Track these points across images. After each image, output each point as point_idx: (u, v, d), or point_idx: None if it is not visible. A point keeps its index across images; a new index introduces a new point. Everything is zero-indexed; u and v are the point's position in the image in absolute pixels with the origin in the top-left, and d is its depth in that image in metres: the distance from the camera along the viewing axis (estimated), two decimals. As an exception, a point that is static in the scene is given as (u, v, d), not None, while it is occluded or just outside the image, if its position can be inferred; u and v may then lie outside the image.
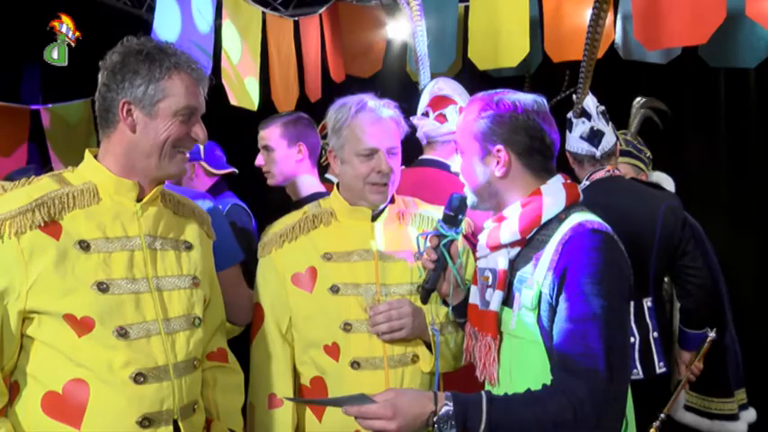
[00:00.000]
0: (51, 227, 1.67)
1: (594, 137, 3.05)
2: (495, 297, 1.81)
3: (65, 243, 1.67)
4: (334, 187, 2.25)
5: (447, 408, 1.60)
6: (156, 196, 1.83)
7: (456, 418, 1.59)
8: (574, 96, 3.24)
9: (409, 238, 2.19)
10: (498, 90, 1.88)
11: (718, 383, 3.22)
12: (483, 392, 1.64)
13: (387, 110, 2.16)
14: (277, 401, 2.12)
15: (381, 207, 2.19)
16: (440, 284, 2.00)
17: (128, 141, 1.76)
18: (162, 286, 1.79)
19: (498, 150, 1.81)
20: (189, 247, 1.90)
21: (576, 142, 3.09)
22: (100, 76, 1.77)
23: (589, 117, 3.07)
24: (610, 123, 3.12)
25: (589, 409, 1.58)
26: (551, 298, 1.68)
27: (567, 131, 3.14)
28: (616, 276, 1.67)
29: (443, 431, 1.60)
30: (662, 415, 2.89)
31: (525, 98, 1.84)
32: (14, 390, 1.70)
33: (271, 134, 2.99)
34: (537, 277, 1.72)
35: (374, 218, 2.18)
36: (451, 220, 1.96)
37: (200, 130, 1.81)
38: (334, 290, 2.10)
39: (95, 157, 1.81)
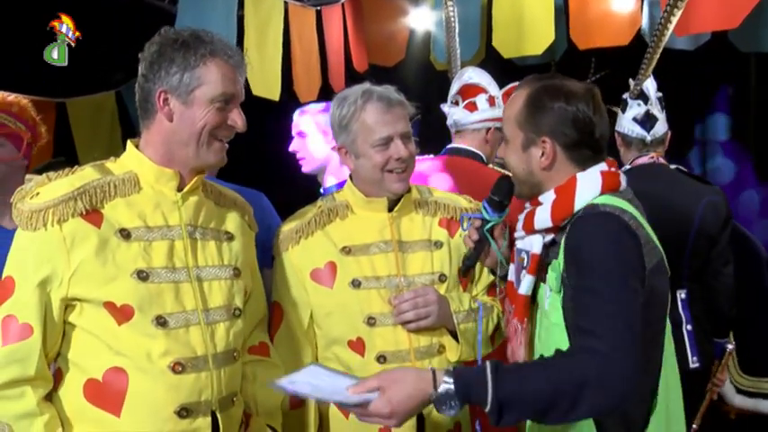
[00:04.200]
0: (93, 215, 1.69)
1: (648, 121, 2.99)
2: (526, 281, 1.80)
3: (106, 231, 1.69)
4: (348, 179, 2.21)
5: (447, 386, 1.52)
6: (197, 186, 1.83)
7: (458, 394, 1.51)
8: (631, 80, 3.15)
9: (427, 226, 2.16)
10: (547, 75, 1.83)
11: None
12: (488, 362, 1.54)
13: (394, 96, 2.12)
14: (297, 402, 2.09)
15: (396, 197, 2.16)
16: (483, 259, 2.04)
17: (166, 131, 1.76)
18: (202, 276, 1.79)
19: (543, 142, 1.76)
20: (230, 237, 1.89)
21: (628, 123, 3.03)
22: (139, 67, 1.78)
23: (646, 100, 3.01)
24: (664, 111, 3.05)
25: (615, 366, 1.50)
26: (567, 279, 1.67)
27: (620, 112, 3.08)
28: (619, 253, 1.62)
29: (444, 411, 1.52)
30: (693, 425, 2.85)
31: (577, 88, 1.77)
32: (58, 376, 1.73)
33: (308, 121, 3.03)
34: (560, 260, 1.71)
35: (390, 208, 2.15)
36: (496, 204, 1.97)
37: (238, 117, 1.80)
38: (356, 284, 2.07)
39: (137, 147, 1.81)
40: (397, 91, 2.15)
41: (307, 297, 2.10)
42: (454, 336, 2.10)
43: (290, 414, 2.08)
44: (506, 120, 1.86)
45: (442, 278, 2.13)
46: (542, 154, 1.77)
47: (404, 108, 2.13)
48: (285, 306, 2.13)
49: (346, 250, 2.09)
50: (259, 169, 4.22)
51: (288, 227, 2.17)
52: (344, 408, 1.66)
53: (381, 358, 2.05)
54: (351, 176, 2.20)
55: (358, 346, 2.06)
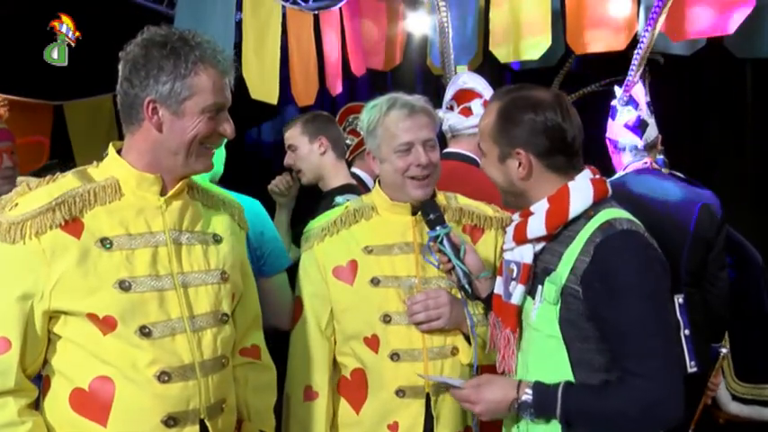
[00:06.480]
0: (72, 225, 1.64)
1: (641, 126, 3.00)
2: (518, 291, 1.82)
3: (86, 241, 1.64)
4: (376, 183, 2.27)
5: (527, 396, 1.74)
6: (182, 189, 1.78)
7: (534, 406, 1.73)
8: (616, 86, 3.16)
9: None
10: (515, 87, 1.86)
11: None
12: (561, 383, 1.72)
13: (418, 103, 2.17)
14: (312, 394, 2.15)
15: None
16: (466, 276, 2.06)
17: (153, 139, 1.71)
18: (188, 282, 1.75)
19: (518, 153, 1.79)
20: (218, 240, 1.85)
21: (620, 130, 3.03)
22: (120, 68, 1.71)
23: (636, 106, 3.02)
24: (653, 116, 3.07)
25: (660, 410, 1.66)
26: (582, 297, 1.69)
27: (611, 119, 3.08)
28: (654, 275, 1.69)
29: (523, 416, 1.76)
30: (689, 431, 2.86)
31: (544, 97, 1.80)
32: (45, 384, 1.70)
33: (293, 134, 3.12)
34: (561, 273, 1.73)
35: (415, 212, 2.18)
36: (432, 222, 2.07)
37: (228, 126, 1.76)
38: (375, 282, 2.13)
39: (119, 151, 1.76)
40: (427, 101, 2.20)
41: (328, 293, 2.17)
42: (468, 339, 2.12)
43: (302, 406, 2.15)
44: (481, 134, 1.89)
45: None
46: (519, 165, 1.80)
47: (428, 116, 2.17)
48: (305, 301, 2.20)
49: (368, 249, 2.16)
50: (259, 176, 4.21)
51: (315, 225, 2.25)
52: (450, 387, 1.93)
53: (395, 356, 2.09)
54: (379, 181, 2.25)
55: (373, 342, 2.12)
